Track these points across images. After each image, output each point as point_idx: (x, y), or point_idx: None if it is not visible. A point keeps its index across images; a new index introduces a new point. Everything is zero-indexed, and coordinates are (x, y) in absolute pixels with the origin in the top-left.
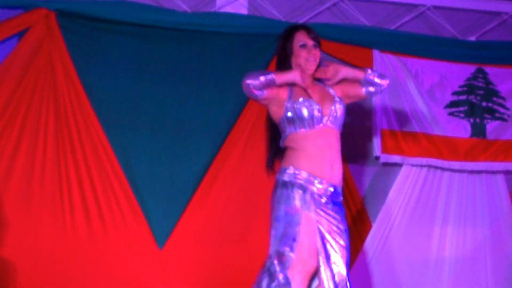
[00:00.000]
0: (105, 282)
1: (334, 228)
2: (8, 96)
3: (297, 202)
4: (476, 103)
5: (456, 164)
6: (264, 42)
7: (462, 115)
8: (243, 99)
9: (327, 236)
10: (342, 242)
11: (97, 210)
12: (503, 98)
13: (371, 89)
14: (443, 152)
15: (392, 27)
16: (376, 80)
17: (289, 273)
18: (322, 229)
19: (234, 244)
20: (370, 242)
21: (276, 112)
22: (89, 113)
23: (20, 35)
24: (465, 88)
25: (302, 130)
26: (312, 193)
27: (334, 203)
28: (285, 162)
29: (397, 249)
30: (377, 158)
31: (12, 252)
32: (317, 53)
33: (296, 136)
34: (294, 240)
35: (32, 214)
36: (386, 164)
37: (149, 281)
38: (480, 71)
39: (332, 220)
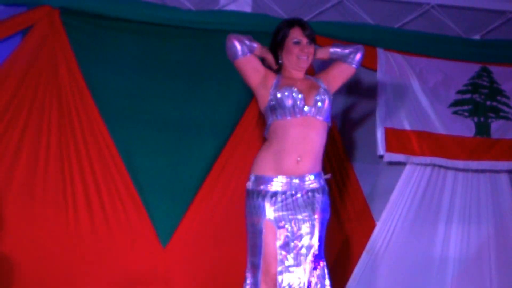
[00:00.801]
0: (109, 280)
1: (300, 217)
2: (12, 93)
3: (261, 210)
4: (480, 102)
5: (460, 163)
6: (268, 40)
7: (466, 114)
8: (247, 97)
9: (292, 235)
10: (306, 229)
11: (101, 208)
12: (508, 97)
13: (356, 55)
14: (447, 151)
15: (396, 26)
16: (347, 48)
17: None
18: (288, 230)
19: (237, 242)
20: (374, 241)
21: (263, 97)
22: (93, 111)
23: (24, 32)
24: (469, 87)
25: (284, 118)
26: (273, 194)
27: (306, 192)
28: (252, 168)
29: (401, 248)
30: (381, 156)
31: (15, 250)
32: (310, 50)
33: (277, 125)
34: (260, 251)
35: (35, 212)
36: (390, 163)
37: (153, 279)
38: (484, 70)
39: (298, 216)
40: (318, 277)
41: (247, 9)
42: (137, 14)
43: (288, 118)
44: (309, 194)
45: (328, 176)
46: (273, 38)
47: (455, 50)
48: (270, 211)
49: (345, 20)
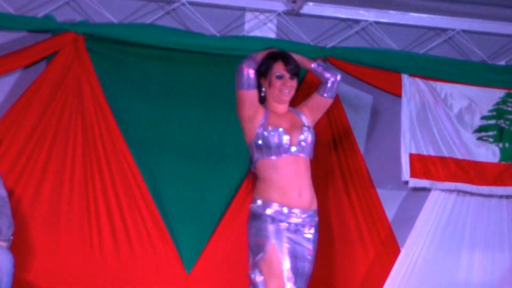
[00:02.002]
0: None
1: (306, 251)
2: (37, 118)
3: (266, 232)
4: (505, 127)
5: (485, 189)
6: None
7: (491, 139)
8: None
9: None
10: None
11: (125, 233)
12: None
13: (327, 85)
14: (472, 177)
15: (421, 51)
16: (324, 72)
17: None
18: (294, 254)
19: None
20: (399, 267)
21: (250, 132)
22: (117, 136)
23: (49, 58)
24: (494, 113)
25: (270, 157)
26: (281, 223)
27: (306, 225)
28: (256, 193)
29: (425, 274)
30: (406, 182)
31: (39, 276)
32: (293, 84)
33: (263, 164)
34: (260, 271)
35: (60, 238)
36: (414, 189)
37: None
38: (509, 95)
39: (304, 244)
40: None
41: (271, 35)
42: (161, 41)
43: (273, 157)
44: (308, 228)
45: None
46: (259, 71)
47: (480, 75)
48: (275, 235)
49: (370, 46)
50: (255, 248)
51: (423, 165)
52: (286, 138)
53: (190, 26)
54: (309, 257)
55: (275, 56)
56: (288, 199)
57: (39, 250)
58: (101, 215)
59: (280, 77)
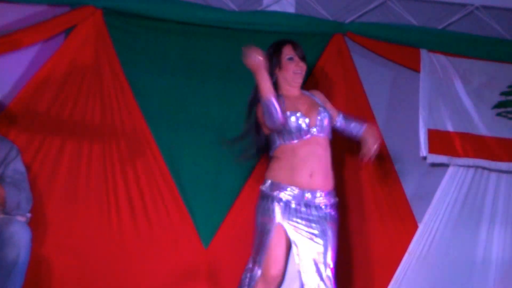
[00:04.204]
0: (150, 281)
1: (311, 230)
2: (55, 92)
3: (272, 213)
4: None
5: (503, 165)
6: (311, 41)
7: (510, 115)
8: None
9: (301, 241)
10: (320, 241)
11: (143, 208)
12: None
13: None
14: (490, 153)
15: (440, 27)
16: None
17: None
18: (297, 235)
19: None
20: (416, 243)
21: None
22: (135, 111)
23: (67, 32)
24: None
25: (291, 142)
26: (287, 202)
27: (316, 208)
28: (267, 173)
29: (443, 250)
30: (424, 158)
31: (57, 251)
32: (304, 66)
33: (285, 148)
34: (264, 251)
35: (77, 213)
36: (432, 165)
37: (194, 280)
38: None
39: (308, 223)
40: None
41: (291, 9)
42: (180, 15)
43: (295, 141)
44: (320, 209)
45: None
46: (268, 60)
47: (499, 51)
48: (281, 217)
49: (389, 21)
50: (260, 227)
51: (442, 141)
52: (306, 121)
53: (209, 0)
54: (325, 235)
55: (281, 41)
56: (299, 180)
57: (56, 225)
58: (119, 190)
59: (291, 59)
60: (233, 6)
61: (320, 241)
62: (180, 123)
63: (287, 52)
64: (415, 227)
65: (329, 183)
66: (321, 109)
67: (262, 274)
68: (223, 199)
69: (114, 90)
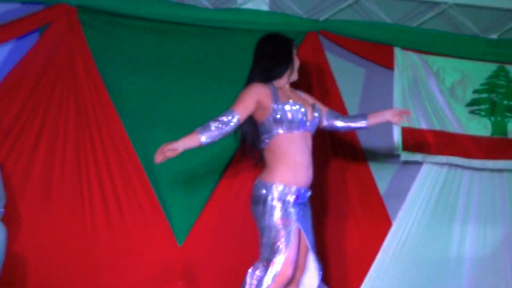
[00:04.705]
0: (125, 279)
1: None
2: (29, 91)
3: (281, 214)
4: (497, 101)
5: (477, 163)
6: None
7: (483, 113)
8: None
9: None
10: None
11: (117, 206)
12: None
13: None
14: (464, 151)
15: (414, 25)
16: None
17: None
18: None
19: (254, 240)
20: (390, 240)
21: (262, 114)
22: (110, 109)
23: (41, 30)
24: (486, 86)
25: (288, 132)
26: (293, 203)
27: (307, 204)
28: (267, 176)
29: (417, 247)
30: (398, 156)
31: (31, 249)
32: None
33: (281, 138)
34: (281, 252)
35: (51, 211)
36: (406, 162)
37: (169, 277)
38: (501, 69)
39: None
40: None
41: (264, 7)
42: (154, 13)
43: (294, 131)
44: (307, 204)
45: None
46: (276, 49)
47: (473, 49)
48: (295, 218)
49: (363, 19)
50: (275, 228)
51: (415, 139)
52: (304, 112)
53: None
54: (311, 228)
55: (289, 38)
56: (299, 177)
57: (31, 223)
58: (93, 187)
59: (296, 56)
60: (207, 4)
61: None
62: (155, 121)
63: (294, 48)
64: (389, 224)
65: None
66: (316, 107)
67: (278, 274)
68: (198, 196)
69: (88, 88)
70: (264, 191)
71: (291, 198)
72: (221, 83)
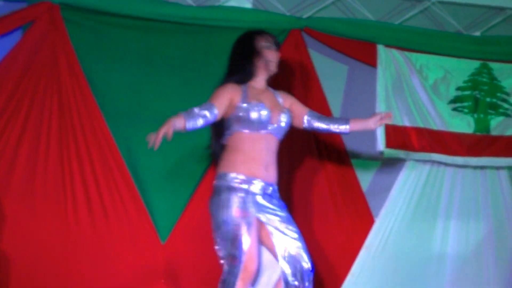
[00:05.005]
0: (108, 276)
1: (279, 219)
2: (12, 89)
3: (240, 206)
4: (480, 98)
5: (459, 160)
6: None
7: (466, 110)
8: None
9: (273, 229)
10: (291, 227)
11: (100, 204)
12: (507, 94)
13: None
14: (447, 148)
15: (397, 22)
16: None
17: (237, 280)
18: (268, 226)
19: None
20: (373, 238)
21: (229, 112)
22: (93, 107)
23: (24, 28)
24: (469, 84)
25: (248, 131)
26: (252, 195)
27: (275, 198)
28: (223, 167)
29: (400, 244)
30: (381, 153)
31: (14, 247)
32: (278, 56)
33: (240, 136)
34: (240, 244)
35: (35, 209)
36: (389, 159)
37: (152, 275)
38: (484, 66)
39: (275, 212)
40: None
41: (248, 5)
42: (137, 10)
43: (254, 132)
44: (274, 200)
45: None
46: (240, 47)
47: (456, 46)
48: (255, 210)
49: (346, 16)
50: (232, 222)
51: (398, 136)
52: (267, 115)
53: None
54: (287, 221)
55: (258, 31)
56: (255, 171)
57: (13, 220)
58: (76, 185)
59: (269, 47)
60: (190, 2)
61: (292, 227)
62: (138, 118)
63: (264, 40)
64: (371, 222)
65: (276, 176)
66: (285, 110)
67: (242, 269)
68: (181, 194)
69: (71, 86)
70: (217, 181)
71: (249, 187)
72: (205, 81)
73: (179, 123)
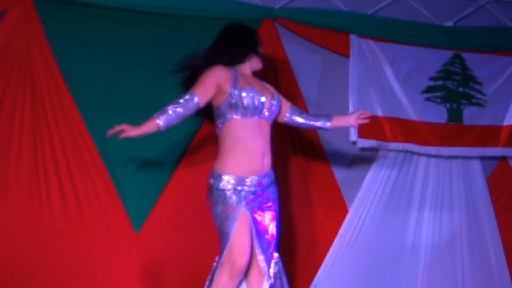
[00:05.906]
0: (81, 266)
1: (268, 209)
2: None
3: (232, 201)
4: (452, 88)
5: (432, 150)
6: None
7: (438, 100)
8: None
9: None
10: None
11: (74, 194)
12: (480, 84)
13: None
14: (420, 138)
15: (370, 12)
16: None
17: (218, 273)
18: (261, 221)
19: (210, 228)
20: (346, 228)
21: (219, 98)
22: (66, 97)
23: None
24: (442, 74)
25: (243, 117)
26: (245, 192)
27: (268, 187)
28: (217, 167)
29: (373, 234)
30: (354, 143)
31: None
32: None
33: (235, 124)
34: (227, 238)
35: (7, 199)
36: (362, 149)
37: (125, 264)
38: (457, 56)
39: (267, 204)
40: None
41: None
42: (111, 0)
43: (248, 118)
44: (269, 188)
45: None
46: (241, 34)
47: (428, 36)
48: (243, 203)
49: (319, 6)
50: (221, 217)
51: (371, 126)
52: (261, 99)
53: None
54: (273, 217)
55: (254, 30)
56: (256, 168)
57: None
58: (50, 175)
59: (260, 56)
60: None
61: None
62: (111, 108)
63: (259, 48)
64: (345, 211)
65: (271, 162)
66: (275, 95)
67: (230, 263)
68: (154, 184)
69: (44, 77)
70: (212, 181)
71: (242, 187)
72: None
73: (152, 126)
